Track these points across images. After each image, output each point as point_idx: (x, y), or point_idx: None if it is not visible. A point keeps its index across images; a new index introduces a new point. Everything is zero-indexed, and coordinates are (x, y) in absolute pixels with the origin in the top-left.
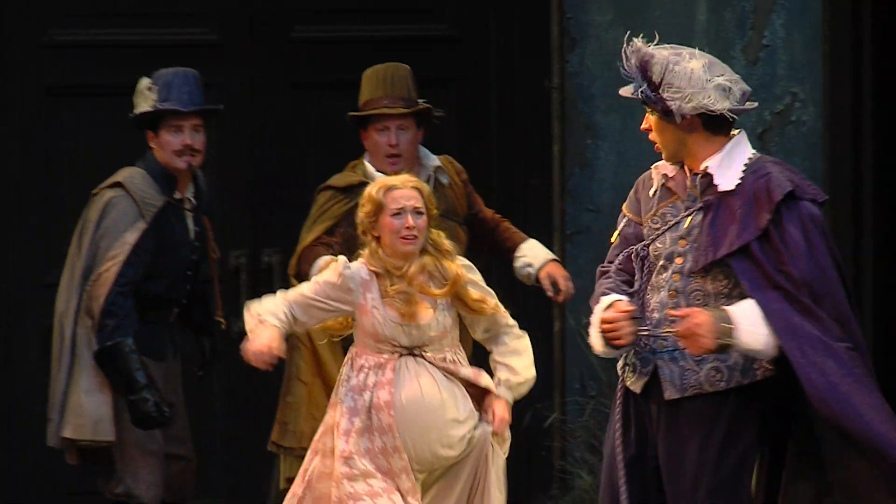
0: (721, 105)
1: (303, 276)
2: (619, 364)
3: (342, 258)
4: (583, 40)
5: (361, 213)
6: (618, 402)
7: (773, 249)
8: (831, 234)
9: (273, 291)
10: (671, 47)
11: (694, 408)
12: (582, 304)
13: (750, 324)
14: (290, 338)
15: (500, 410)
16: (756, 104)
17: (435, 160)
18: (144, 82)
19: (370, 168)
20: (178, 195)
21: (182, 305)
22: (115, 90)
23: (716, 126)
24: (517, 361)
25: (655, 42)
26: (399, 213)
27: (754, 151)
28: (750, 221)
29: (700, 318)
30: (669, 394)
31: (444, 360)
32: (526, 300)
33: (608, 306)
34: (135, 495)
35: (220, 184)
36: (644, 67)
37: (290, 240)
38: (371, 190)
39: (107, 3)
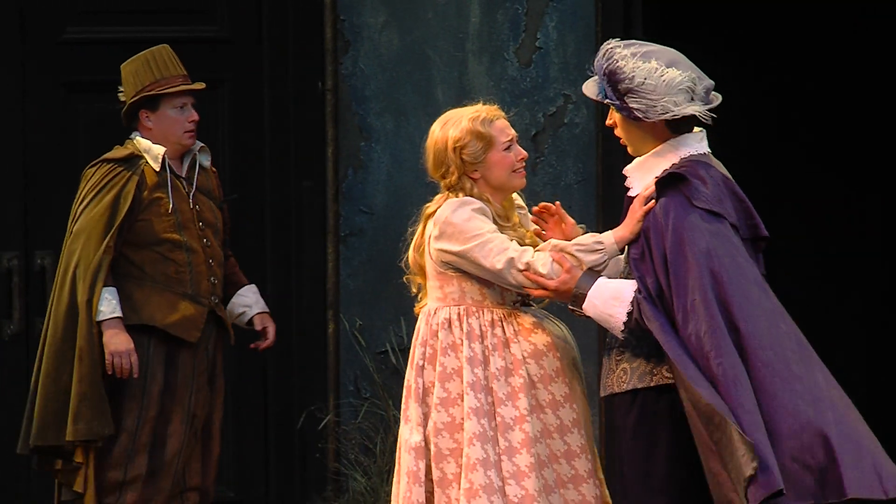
0: (685, 109)
1: (94, 286)
2: None
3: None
4: (356, 42)
5: (465, 154)
6: None
7: (648, 248)
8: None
9: (46, 294)
10: (640, 50)
11: (614, 405)
12: (356, 306)
13: (598, 298)
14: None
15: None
16: (719, 98)
17: (198, 141)
18: None
19: (145, 142)
20: None
21: None
22: None
23: (678, 125)
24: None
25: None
26: (510, 145)
27: (695, 153)
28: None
29: (569, 277)
30: (601, 391)
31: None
32: (300, 301)
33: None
34: None
35: None
36: (612, 77)
37: (63, 242)
38: (471, 125)
39: None
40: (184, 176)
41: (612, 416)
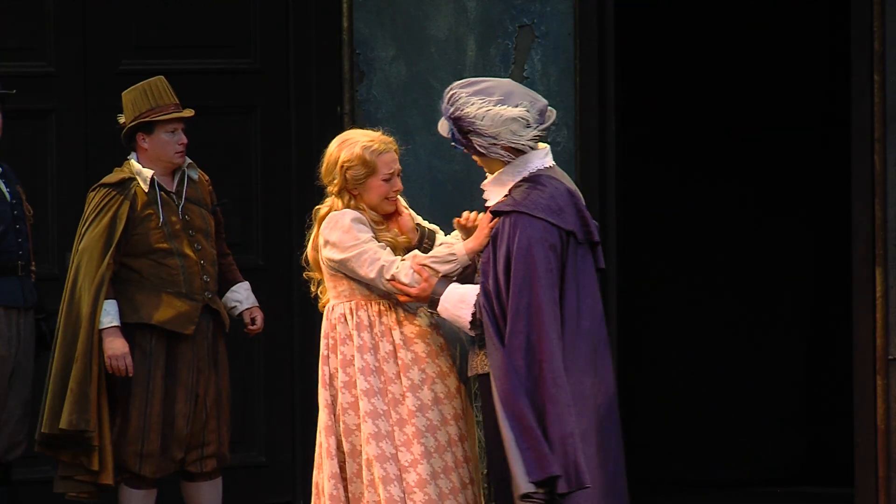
0: (523, 138)
1: (97, 300)
2: None
3: (347, 212)
4: (370, 73)
5: (349, 174)
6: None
7: (494, 256)
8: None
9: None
10: (478, 87)
11: (481, 386)
12: None
13: (448, 302)
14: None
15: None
16: (554, 113)
17: (187, 158)
18: None
19: (137, 165)
20: None
21: (21, 257)
22: None
23: (521, 148)
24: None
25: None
26: (390, 177)
27: (542, 167)
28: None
29: (427, 285)
30: (469, 371)
31: None
32: (302, 306)
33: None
34: None
35: (60, 193)
36: (456, 121)
37: (70, 257)
38: (361, 152)
39: None
40: (174, 191)
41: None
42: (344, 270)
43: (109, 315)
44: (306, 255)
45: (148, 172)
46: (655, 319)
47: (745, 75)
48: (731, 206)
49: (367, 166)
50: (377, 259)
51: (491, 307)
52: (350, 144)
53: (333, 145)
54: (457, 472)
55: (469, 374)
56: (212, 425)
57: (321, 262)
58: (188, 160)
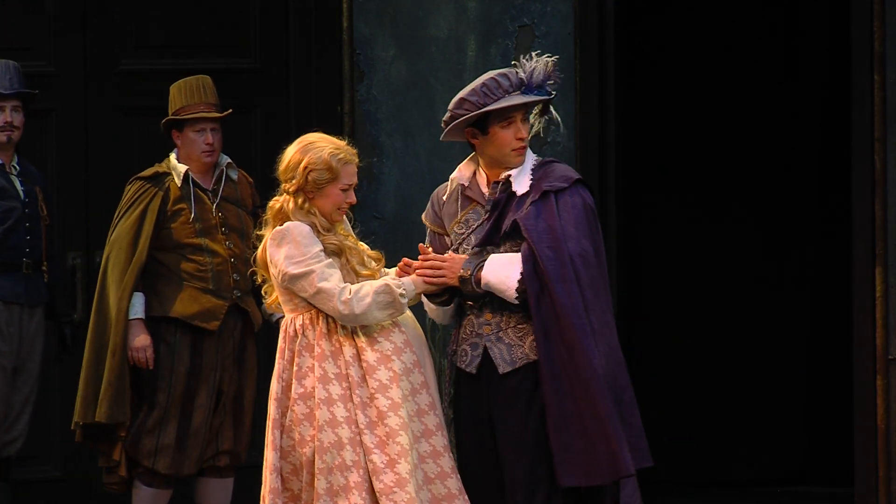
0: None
1: (124, 292)
2: (450, 349)
3: (298, 226)
4: (370, 73)
5: (311, 177)
6: (448, 383)
7: (551, 216)
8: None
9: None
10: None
11: (520, 376)
12: None
13: (493, 268)
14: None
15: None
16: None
17: (226, 157)
18: None
19: (174, 161)
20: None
21: (29, 255)
22: None
23: None
24: None
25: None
26: (348, 188)
27: (535, 157)
28: (538, 193)
29: (453, 263)
30: (503, 369)
31: None
32: None
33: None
34: None
35: (60, 192)
36: (550, 75)
37: (105, 247)
38: (328, 157)
39: None
40: (210, 188)
41: (503, 391)
42: (295, 289)
43: (134, 307)
44: (255, 256)
45: (182, 168)
46: (655, 320)
47: (745, 73)
48: (730, 206)
49: (331, 173)
50: (325, 279)
51: (560, 272)
52: (318, 148)
53: (296, 146)
54: (432, 462)
55: (514, 366)
56: (228, 422)
57: (272, 277)
58: (227, 159)
